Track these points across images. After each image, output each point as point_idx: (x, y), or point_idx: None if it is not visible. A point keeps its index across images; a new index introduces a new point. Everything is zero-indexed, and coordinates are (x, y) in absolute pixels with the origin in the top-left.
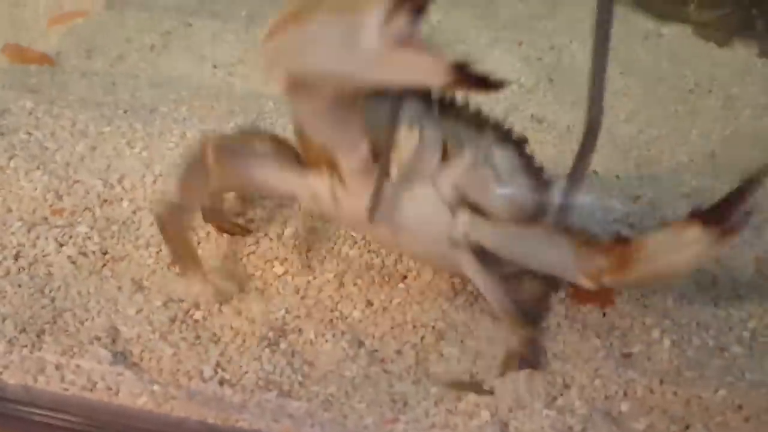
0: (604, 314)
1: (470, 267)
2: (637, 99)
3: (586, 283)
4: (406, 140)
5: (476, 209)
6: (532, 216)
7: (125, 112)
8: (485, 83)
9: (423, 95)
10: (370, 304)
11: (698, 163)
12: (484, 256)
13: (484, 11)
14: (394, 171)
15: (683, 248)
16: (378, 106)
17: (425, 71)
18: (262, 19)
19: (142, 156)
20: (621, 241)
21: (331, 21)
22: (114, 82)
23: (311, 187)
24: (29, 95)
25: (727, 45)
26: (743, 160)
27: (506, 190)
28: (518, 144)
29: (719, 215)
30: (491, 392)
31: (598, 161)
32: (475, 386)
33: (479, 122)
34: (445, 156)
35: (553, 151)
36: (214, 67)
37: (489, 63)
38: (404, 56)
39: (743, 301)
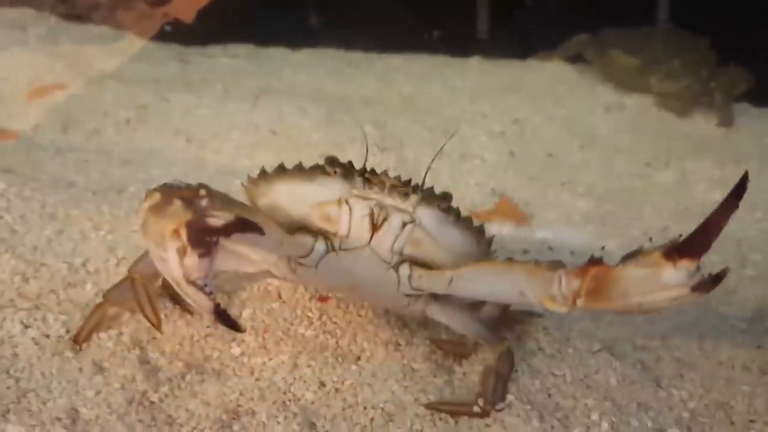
0: (549, 395)
1: (434, 312)
2: (596, 172)
3: (554, 307)
4: (337, 217)
5: (419, 263)
6: (473, 257)
7: (94, 193)
8: (233, 326)
9: (345, 172)
10: (323, 385)
11: (651, 238)
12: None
13: (452, 83)
14: (336, 243)
15: (660, 290)
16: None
17: (198, 306)
18: (237, 92)
19: (107, 239)
20: (595, 262)
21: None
22: (87, 159)
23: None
24: (2, 175)
25: (687, 115)
26: None
27: (437, 242)
28: (443, 199)
29: (694, 248)
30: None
31: (553, 234)
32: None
33: (402, 188)
34: (376, 224)
35: (509, 224)
36: (188, 141)
37: (454, 136)
38: (188, 289)
39: (685, 380)
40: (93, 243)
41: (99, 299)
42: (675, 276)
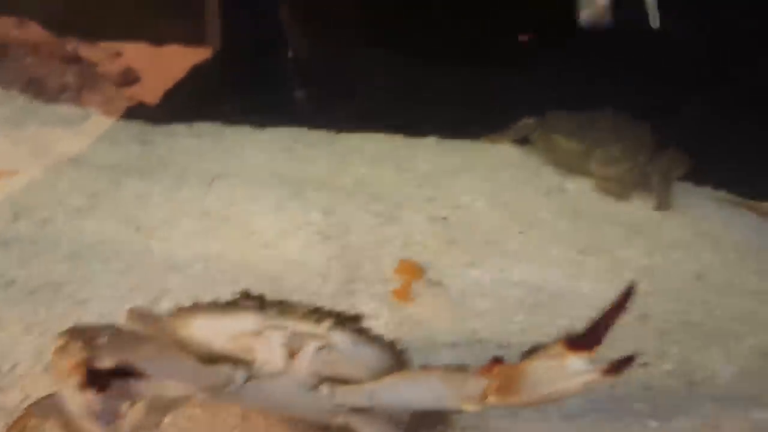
0: None
1: (357, 423)
2: (531, 260)
3: (469, 407)
4: (254, 348)
5: (339, 381)
6: (389, 370)
7: (32, 292)
8: None
9: (259, 304)
10: None
11: (576, 329)
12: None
13: (405, 165)
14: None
15: (568, 378)
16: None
17: None
18: (193, 176)
19: (37, 342)
20: (496, 361)
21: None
22: (33, 251)
23: None
24: None
25: (625, 199)
26: (621, 325)
27: (353, 362)
28: (354, 321)
29: (587, 341)
30: None
31: (483, 325)
32: None
33: (314, 315)
34: (292, 351)
35: (445, 317)
36: (137, 230)
37: (398, 222)
38: (87, 423)
39: None
40: (23, 347)
41: (25, 404)
42: (580, 364)
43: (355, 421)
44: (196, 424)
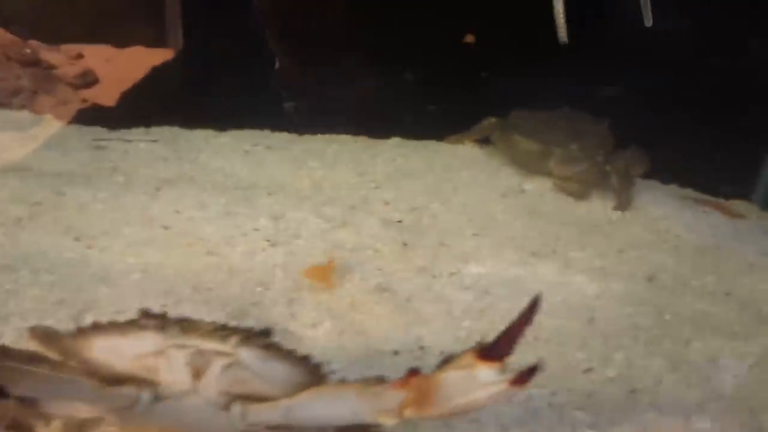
0: None
1: None
2: (484, 262)
3: (386, 420)
4: (158, 368)
5: (251, 398)
6: (304, 385)
7: None
8: None
9: (160, 323)
10: None
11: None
12: None
13: (364, 167)
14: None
15: (479, 388)
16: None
17: None
18: (141, 183)
19: None
20: (413, 372)
21: None
22: None
23: None
24: None
25: (585, 199)
26: (567, 330)
27: (264, 378)
28: (263, 336)
29: (496, 352)
30: None
31: (429, 331)
32: None
33: (220, 332)
34: (198, 370)
35: (390, 324)
36: (76, 239)
37: (351, 227)
38: None
39: None
40: None
41: None
42: (490, 374)
43: None
44: None
